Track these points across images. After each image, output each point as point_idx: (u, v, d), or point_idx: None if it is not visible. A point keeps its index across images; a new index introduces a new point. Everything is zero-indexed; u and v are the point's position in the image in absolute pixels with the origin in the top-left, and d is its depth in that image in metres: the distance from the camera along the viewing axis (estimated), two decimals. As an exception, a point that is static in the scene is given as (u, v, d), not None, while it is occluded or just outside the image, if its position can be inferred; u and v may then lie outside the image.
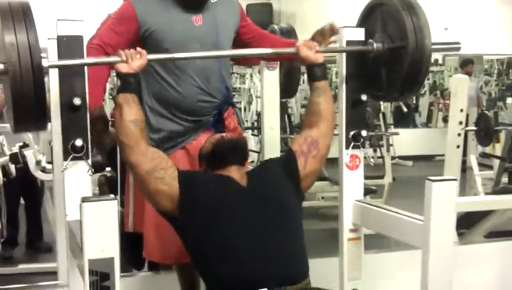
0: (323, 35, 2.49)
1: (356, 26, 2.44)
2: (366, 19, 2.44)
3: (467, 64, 8.10)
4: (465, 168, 5.41)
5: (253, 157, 5.54)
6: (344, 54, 2.41)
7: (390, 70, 2.33)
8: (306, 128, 2.27)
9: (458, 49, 2.44)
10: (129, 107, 2.00)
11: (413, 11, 2.22)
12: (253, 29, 2.57)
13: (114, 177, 3.39)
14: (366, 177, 6.15)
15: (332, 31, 2.48)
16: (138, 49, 2.05)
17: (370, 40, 2.35)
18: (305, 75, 7.22)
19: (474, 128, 5.24)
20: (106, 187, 3.42)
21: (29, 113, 1.81)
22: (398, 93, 2.38)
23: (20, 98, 1.77)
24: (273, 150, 3.40)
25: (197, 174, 2.22)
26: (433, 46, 2.25)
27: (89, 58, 2.13)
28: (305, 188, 2.21)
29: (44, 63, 1.81)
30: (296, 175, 2.16)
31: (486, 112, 5.81)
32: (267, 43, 2.53)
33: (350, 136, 2.41)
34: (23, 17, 1.79)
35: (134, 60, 2.02)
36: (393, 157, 7.89)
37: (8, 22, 1.77)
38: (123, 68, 2.01)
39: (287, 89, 4.62)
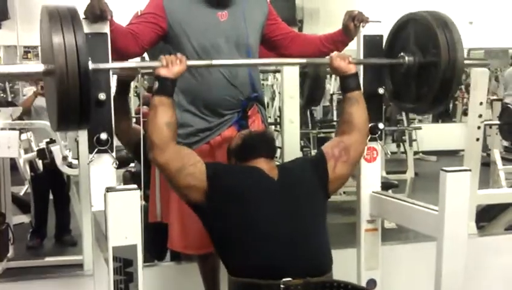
0: (351, 25, 2.42)
1: (388, 38, 2.48)
2: (398, 32, 2.46)
3: None
4: (488, 162, 5.39)
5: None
6: (361, 49, 2.45)
7: (421, 84, 2.35)
8: (339, 135, 2.31)
9: (487, 64, 2.45)
10: (164, 110, 2.05)
11: (446, 27, 2.25)
12: (281, 28, 2.55)
13: (139, 172, 3.47)
14: (388, 172, 6.17)
15: (356, 18, 2.41)
16: (178, 55, 2.12)
17: (401, 54, 2.38)
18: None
19: (498, 122, 5.22)
20: (131, 182, 3.50)
21: (74, 114, 1.87)
22: (427, 107, 2.41)
23: (66, 99, 1.82)
24: (293, 144, 3.44)
25: (225, 165, 2.29)
26: (465, 62, 2.29)
27: (132, 62, 2.25)
28: (333, 190, 2.25)
29: (90, 65, 1.89)
30: (324, 176, 2.20)
31: (510, 105, 5.77)
32: (297, 44, 2.54)
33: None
34: (71, 19, 1.85)
35: (174, 66, 2.08)
36: (416, 153, 7.87)
37: (56, 24, 1.82)
38: (163, 72, 2.07)
39: (312, 98, 4.67)
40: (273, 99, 8.40)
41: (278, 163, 2.50)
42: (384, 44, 2.50)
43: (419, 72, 2.35)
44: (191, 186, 2.06)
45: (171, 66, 2.08)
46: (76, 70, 1.81)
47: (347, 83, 2.31)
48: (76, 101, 1.84)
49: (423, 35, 2.32)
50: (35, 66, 1.95)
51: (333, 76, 9.58)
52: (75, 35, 1.83)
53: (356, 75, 2.31)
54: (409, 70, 2.38)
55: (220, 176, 2.10)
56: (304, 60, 2.48)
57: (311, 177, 2.21)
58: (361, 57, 2.46)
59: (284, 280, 1.94)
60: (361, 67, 2.45)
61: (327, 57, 2.36)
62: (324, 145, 2.31)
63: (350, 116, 2.28)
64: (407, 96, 2.45)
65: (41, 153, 4.46)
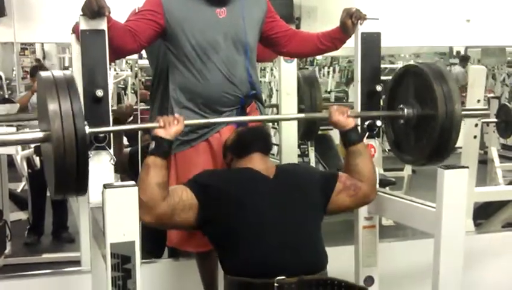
0: (348, 22, 2.43)
1: (388, 90, 2.50)
2: (397, 84, 2.47)
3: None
4: (486, 159, 5.41)
5: (273, 150, 5.59)
6: (359, 46, 2.45)
7: (420, 136, 2.36)
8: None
9: (488, 115, 2.48)
10: (157, 171, 2.01)
11: (443, 80, 2.24)
12: (280, 26, 2.55)
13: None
14: (385, 170, 6.15)
15: (354, 16, 2.41)
16: (176, 115, 2.12)
17: (401, 106, 2.39)
18: (325, 69, 7.22)
19: (495, 120, 5.23)
20: (129, 179, 3.50)
21: (71, 180, 1.83)
22: (426, 160, 2.39)
23: (63, 167, 1.79)
24: (290, 142, 3.44)
25: (214, 172, 2.29)
26: (463, 113, 2.30)
27: (130, 125, 2.20)
28: (329, 211, 2.24)
29: (87, 130, 1.86)
30: (328, 193, 2.21)
31: (507, 103, 5.78)
32: (295, 42, 2.55)
33: (365, 126, 2.45)
34: (67, 86, 1.83)
35: (172, 127, 2.06)
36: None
37: (52, 91, 1.80)
38: (160, 133, 2.05)
39: (307, 133, 4.68)
40: (270, 96, 8.41)
41: (276, 160, 2.51)
42: (385, 96, 2.52)
43: (418, 124, 2.35)
44: (185, 219, 2.05)
45: (169, 127, 2.06)
46: (73, 137, 1.78)
47: (348, 136, 2.29)
48: (73, 168, 1.80)
49: (420, 87, 2.33)
50: (33, 134, 1.93)
51: (331, 71, 9.65)
52: (72, 102, 1.80)
53: (356, 128, 2.31)
54: (408, 122, 2.38)
55: (208, 189, 2.09)
56: (302, 115, 2.48)
57: (312, 184, 2.21)
58: (359, 54, 2.46)
59: (278, 278, 1.95)
60: (359, 61, 2.46)
61: (325, 111, 2.36)
62: (341, 171, 2.31)
63: (357, 167, 2.27)
64: (407, 147, 2.46)
65: (38, 150, 4.44)
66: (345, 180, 2.24)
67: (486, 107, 2.57)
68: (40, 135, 1.87)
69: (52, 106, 1.78)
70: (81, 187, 1.90)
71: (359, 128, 2.40)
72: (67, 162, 1.78)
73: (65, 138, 1.77)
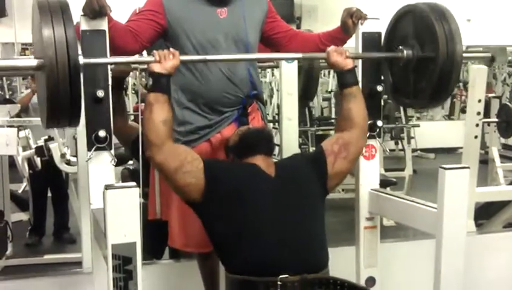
0: (349, 22, 2.41)
1: (386, 31, 2.46)
2: (396, 25, 2.44)
3: None
4: (487, 159, 5.40)
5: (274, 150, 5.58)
6: (360, 46, 2.44)
7: (419, 78, 2.32)
8: (339, 132, 2.29)
9: (488, 58, 2.47)
10: (160, 107, 2.03)
11: (444, 20, 2.21)
12: (281, 26, 2.55)
13: (137, 169, 3.47)
14: (386, 170, 6.17)
15: (355, 15, 2.40)
16: (171, 50, 2.10)
17: (400, 47, 2.35)
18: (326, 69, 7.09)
19: (496, 120, 5.23)
20: (129, 180, 3.49)
21: (64, 109, 1.84)
22: (425, 102, 2.37)
23: (56, 94, 1.80)
24: (291, 141, 3.43)
25: (222, 162, 2.29)
26: (464, 55, 2.26)
27: (124, 57, 2.22)
28: (331, 187, 2.24)
29: (81, 60, 1.87)
30: (323, 172, 2.20)
31: (508, 103, 5.78)
32: (296, 42, 2.53)
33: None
34: (61, 13, 1.82)
35: (167, 61, 2.06)
36: (415, 150, 7.87)
37: (46, 18, 1.80)
38: (156, 68, 2.05)
39: (306, 92, 4.66)
40: (271, 96, 8.40)
41: (275, 160, 2.50)
42: (383, 36, 2.48)
43: (418, 66, 2.31)
44: (189, 184, 2.05)
45: (164, 61, 2.06)
46: (67, 64, 1.79)
47: (344, 78, 2.29)
48: (67, 96, 1.81)
49: (421, 27, 2.28)
50: (28, 61, 1.94)
51: (332, 71, 9.63)
52: (65, 29, 1.81)
53: (353, 70, 2.29)
54: (407, 64, 2.34)
55: (218, 174, 2.09)
56: (300, 55, 2.46)
57: (308, 173, 2.21)
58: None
59: (281, 276, 1.95)
60: (360, 64, 2.45)
61: (325, 52, 2.34)
62: (323, 142, 2.30)
63: (349, 113, 2.26)
64: (406, 90, 2.42)
65: (39, 151, 4.46)
66: (332, 149, 2.22)
67: (487, 51, 2.57)
68: (34, 62, 1.88)
69: (46, 33, 1.78)
70: (74, 116, 1.91)
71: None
72: (61, 90, 1.79)
73: (58, 65, 1.77)
